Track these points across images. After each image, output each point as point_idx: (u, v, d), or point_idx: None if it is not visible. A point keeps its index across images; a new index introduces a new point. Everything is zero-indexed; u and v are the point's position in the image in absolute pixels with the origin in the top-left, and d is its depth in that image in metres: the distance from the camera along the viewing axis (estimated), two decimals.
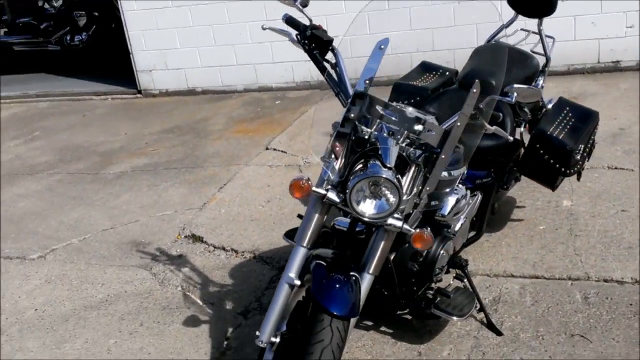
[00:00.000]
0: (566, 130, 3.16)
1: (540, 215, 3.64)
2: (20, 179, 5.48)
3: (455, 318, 2.61)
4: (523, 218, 3.63)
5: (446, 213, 2.58)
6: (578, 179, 3.42)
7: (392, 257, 2.61)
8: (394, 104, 2.27)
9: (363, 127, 2.26)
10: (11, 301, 3.53)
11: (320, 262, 2.28)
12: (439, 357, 2.67)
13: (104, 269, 3.76)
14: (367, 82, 2.25)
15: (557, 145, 3.09)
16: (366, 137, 2.27)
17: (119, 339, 3.07)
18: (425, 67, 3.54)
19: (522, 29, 3.66)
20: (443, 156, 2.20)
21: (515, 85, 2.41)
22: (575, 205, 3.69)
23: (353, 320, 2.29)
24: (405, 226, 2.23)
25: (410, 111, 2.22)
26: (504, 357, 2.61)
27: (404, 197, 2.19)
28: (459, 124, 2.19)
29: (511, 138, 2.71)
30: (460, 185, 2.72)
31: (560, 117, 3.22)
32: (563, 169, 3.13)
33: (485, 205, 3.16)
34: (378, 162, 2.18)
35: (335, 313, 2.11)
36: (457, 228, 2.82)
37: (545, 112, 3.31)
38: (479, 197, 2.99)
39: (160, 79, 7.64)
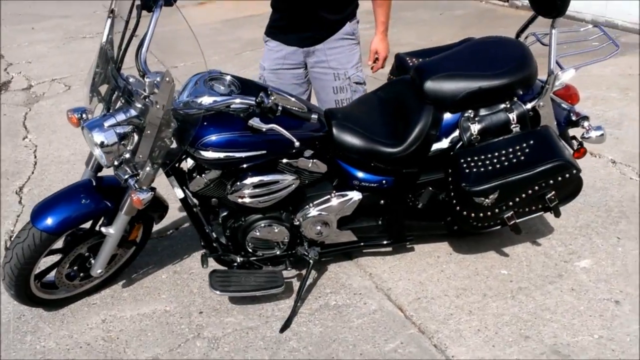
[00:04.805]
0: (495, 167, 2.54)
1: (529, 261, 2.95)
2: None
3: (217, 292, 2.69)
4: (509, 254, 2.99)
5: (236, 190, 2.58)
6: (514, 232, 2.65)
7: (223, 214, 2.81)
8: (130, 76, 2.39)
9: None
10: None
11: (91, 180, 2.70)
12: (221, 329, 2.70)
13: None
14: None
15: (457, 178, 2.54)
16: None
17: None
18: None
19: (594, 26, 2.82)
20: (149, 131, 2.31)
21: (280, 92, 2.29)
22: (585, 270, 2.85)
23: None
24: (131, 182, 2.46)
25: (147, 81, 2.30)
26: (247, 346, 2.60)
27: (120, 156, 2.41)
28: (161, 109, 2.26)
29: (292, 138, 2.39)
30: (284, 175, 2.59)
31: (509, 149, 2.58)
32: (458, 208, 2.56)
33: (392, 215, 2.84)
34: (110, 120, 2.42)
35: (32, 221, 2.55)
36: (308, 216, 2.75)
37: (503, 137, 2.62)
38: (354, 198, 2.73)
39: None
